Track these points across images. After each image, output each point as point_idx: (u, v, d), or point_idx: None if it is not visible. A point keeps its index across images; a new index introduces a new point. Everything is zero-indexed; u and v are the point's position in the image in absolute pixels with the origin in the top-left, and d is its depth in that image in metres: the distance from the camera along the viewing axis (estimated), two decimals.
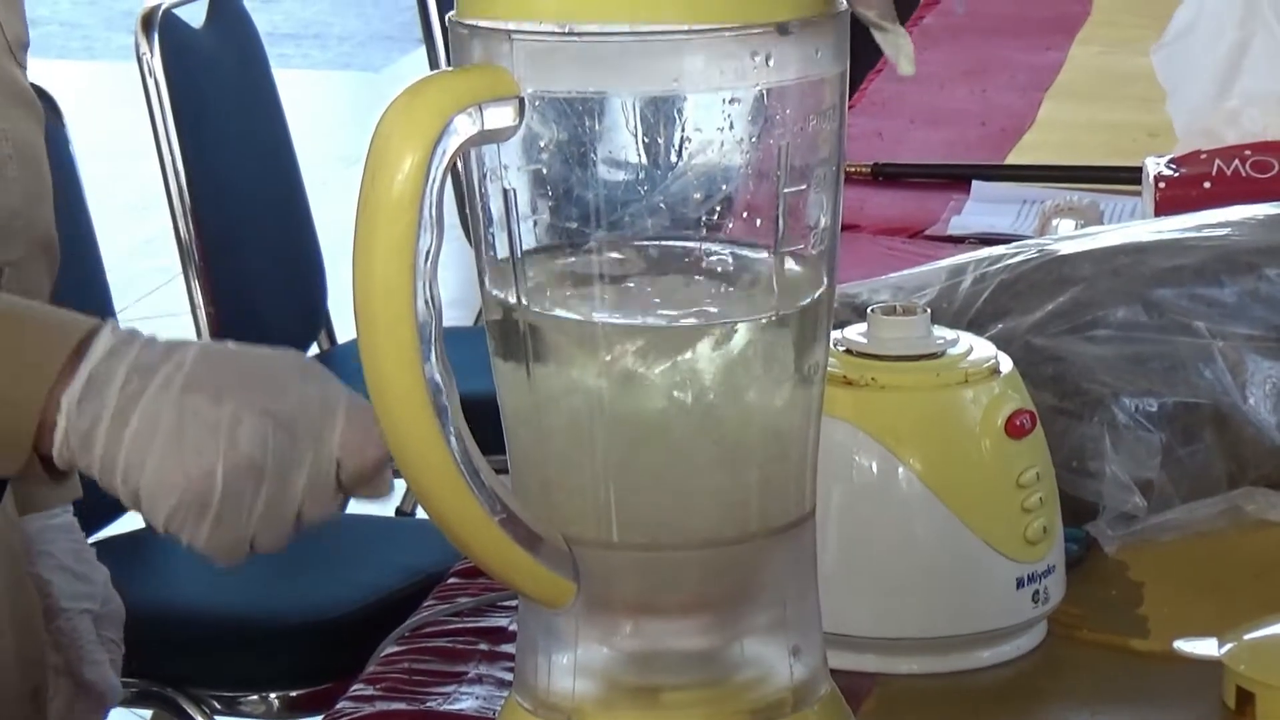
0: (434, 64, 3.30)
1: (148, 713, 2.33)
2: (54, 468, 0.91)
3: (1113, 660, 1.20)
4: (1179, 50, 2.21)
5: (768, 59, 0.74)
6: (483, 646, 1.15)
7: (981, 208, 1.98)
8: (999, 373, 1.11)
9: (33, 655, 1.24)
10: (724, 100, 0.74)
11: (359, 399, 0.90)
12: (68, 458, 0.89)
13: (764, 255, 0.80)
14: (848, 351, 1.07)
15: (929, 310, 1.17)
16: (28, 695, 1.26)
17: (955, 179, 2.11)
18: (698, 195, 0.77)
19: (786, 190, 0.76)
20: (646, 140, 0.77)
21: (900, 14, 0.92)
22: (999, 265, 1.41)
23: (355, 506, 2.19)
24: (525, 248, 0.79)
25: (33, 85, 1.81)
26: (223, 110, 2.60)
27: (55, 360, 0.87)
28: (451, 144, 0.73)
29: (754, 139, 0.77)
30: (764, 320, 0.81)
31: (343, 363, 2.63)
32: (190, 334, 2.46)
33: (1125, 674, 1.17)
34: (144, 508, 0.89)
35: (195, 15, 2.49)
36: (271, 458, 0.87)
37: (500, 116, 0.73)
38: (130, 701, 2.21)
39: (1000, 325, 1.32)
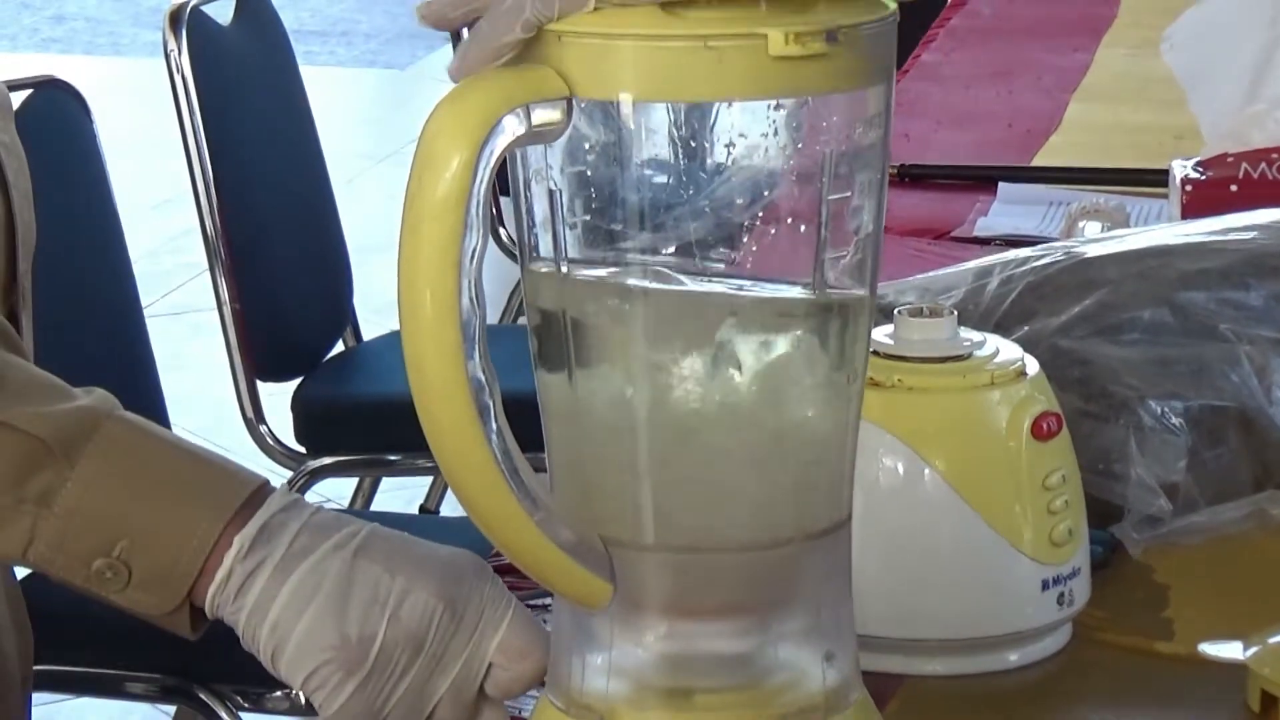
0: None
1: (171, 709, 2.27)
2: (195, 617, 0.89)
3: (1137, 663, 1.19)
4: (1201, 50, 2.20)
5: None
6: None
7: (1008, 209, 1.98)
8: (1025, 375, 1.11)
9: (26, 645, 1.19)
10: (769, 106, 0.74)
11: (525, 610, 0.90)
12: (218, 602, 0.86)
13: (806, 260, 0.79)
14: (874, 353, 1.06)
15: (955, 312, 1.17)
16: (19, 685, 1.21)
17: (981, 180, 2.09)
18: (740, 200, 0.77)
19: (830, 197, 0.76)
20: (692, 144, 0.77)
21: (926, 17, 0.92)
22: (1025, 267, 1.42)
23: (378, 503, 2.11)
24: (569, 250, 0.79)
25: (59, 79, 1.83)
26: (250, 107, 2.59)
27: (231, 503, 0.85)
28: (499, 144, 0.72)
29: (798, 145, 0.76)
30: (804, 325, 0.81)
31: (367, 362, 2.66)
32: (217, 329, 2.34)
33: (1150, 677, 1.16)
34: (284, 660, 0.86)
35: (222, 12, 2.47)
36: (433, 639, 0.86)
37: (548, 117, 0.72)
38: (155, 697, 2.17)
39: (1026, 327, 1.32)
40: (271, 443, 2.43)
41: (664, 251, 0.79)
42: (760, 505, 0.83)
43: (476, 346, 0.74)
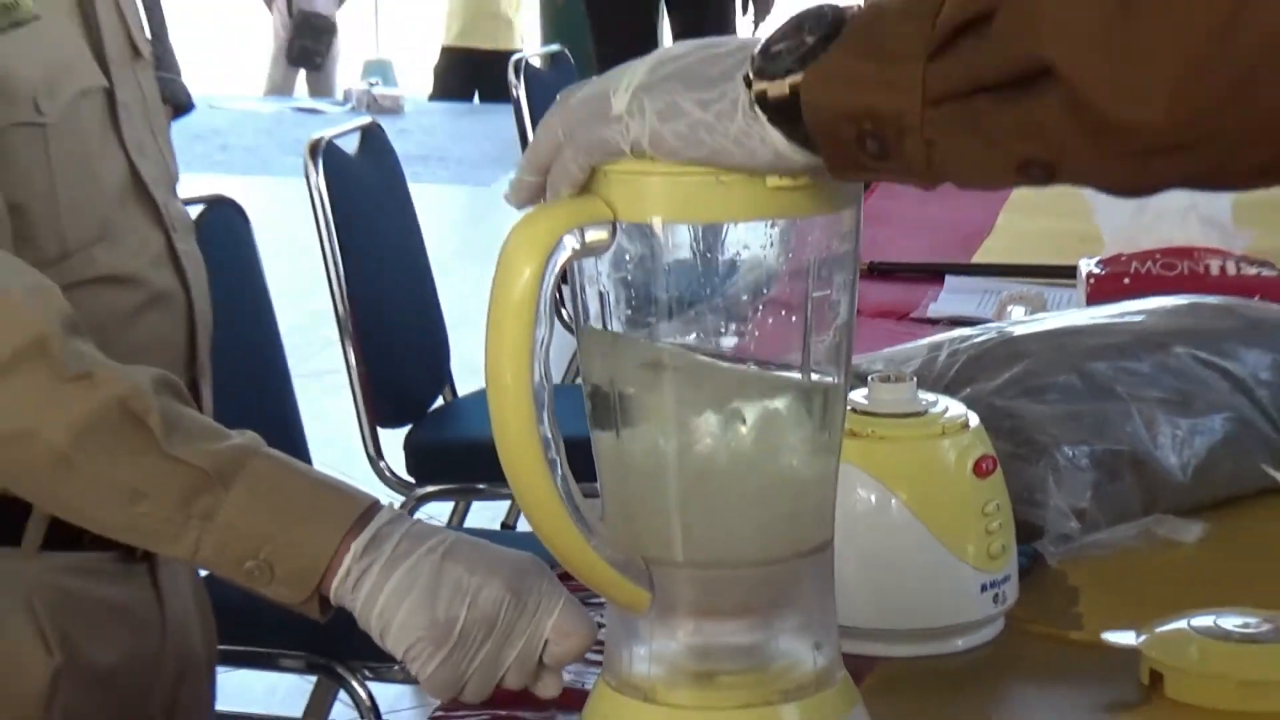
0: None
1: (314, 678, 2.27)
2: (323, 605, 0.91)
3: (1054, 648, 1.22)
4: None
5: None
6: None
7: (953, 297, 1.95)
8: (968, 427, 1.13)
9: (210, 633, 1.20)
10: (767, 225, 0.74)
11: (574, 599, 0.92)
12: (339, 594, 0.89)
13: (796, 342, 0.80)
14: (852, 410, 1.09)
15: (914, 378, 1.19)
16: (205, 667, 1.21)
17: (933, 274, 2.10)
18: (746, 296, 0.78)
19: (814, 294, 0.76)
20: (708, 255, 0.77)
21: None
22: (967, 343, 1.42)
23: (469, 521, 2.10)
24: (618, 344, 0.82)
25: (225, 196, 1.87)
26: (370, 215, 2.62)
27: (349, 517, 0.87)
28: (560, 258, 0.73)
29: (789, 255, 0.77)
30: (795, 395, 0.83)
31: (462, 412, 2.74)
32: (347, 388, 2.36)
33: (1064, 658, 1.21)
34: (389, 638, 0.89)
35: (350, 144, 2.51)
36: (502, 621, 0.89)
37: (598, 236, 0.74)
38: (301, 670, 2.20)
39: (968, 390, 1.32)
40: (389, 475, 2.45)
41: (688, 337, 0.82)
42: (763, 530, 0.84)
43: (545, 411, 0.75)
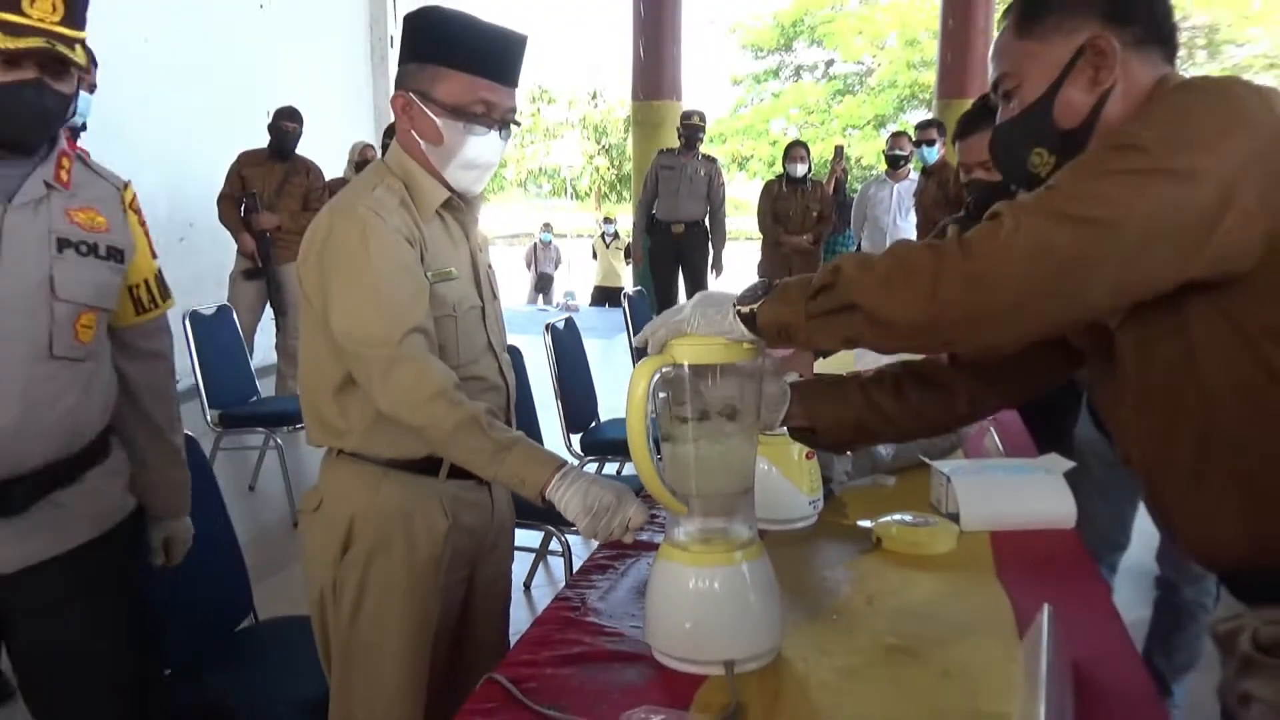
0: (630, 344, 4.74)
1: (540, 533, 3.28)
2: (541, 499, 1.40)
3: (838, 528, 1.65)
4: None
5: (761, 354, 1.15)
6: (660, 520, 1.43)
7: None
8: None
9: (512, 518, 1.85)
10: (740, 366, 1.17)
11: (640, 502, 1.36)
12: (548, 495, 1.37)
13: (749, 420, 1.19)
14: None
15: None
16: (510, 531, 1.82)
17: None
18: (729, 398, 1.20)
19: (750, 389, 1.20)
20: (710, 381, 1.19)
21: None
22: None
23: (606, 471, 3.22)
24: (672, 406, 1.20)
25: (514, 346, 2.25)
26: (570, 361, 3.77)
27: (554, 464, 1.41)
28: (654, 379, 1.15)
29: (751, 378, 1.19)
30: (741, 428, 1.22)
31: (603, 430, 3.72)
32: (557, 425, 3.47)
33: (841, 531, 1.63)
34: (569, 513, 1.37)
35: (561, 323, 3.75)
36: (612, 507, 1.38)
37: (668, 371, 1.15)
38: (536, 527, 3.01)
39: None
40: (573, 451, 3.58)
41: (701, 414, 1.19)
42: (734, 481, 1.20)
43: (650, 437, 1.15)
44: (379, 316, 1.37)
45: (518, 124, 1.52)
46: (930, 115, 8.06)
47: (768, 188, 6.75)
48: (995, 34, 1.20)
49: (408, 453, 1.48)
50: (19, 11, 1.28)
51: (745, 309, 1.11)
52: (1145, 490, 1.14)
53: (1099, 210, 0.94)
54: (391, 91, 1.55)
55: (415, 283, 1.42)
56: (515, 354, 2.60)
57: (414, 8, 1.53)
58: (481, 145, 1.48)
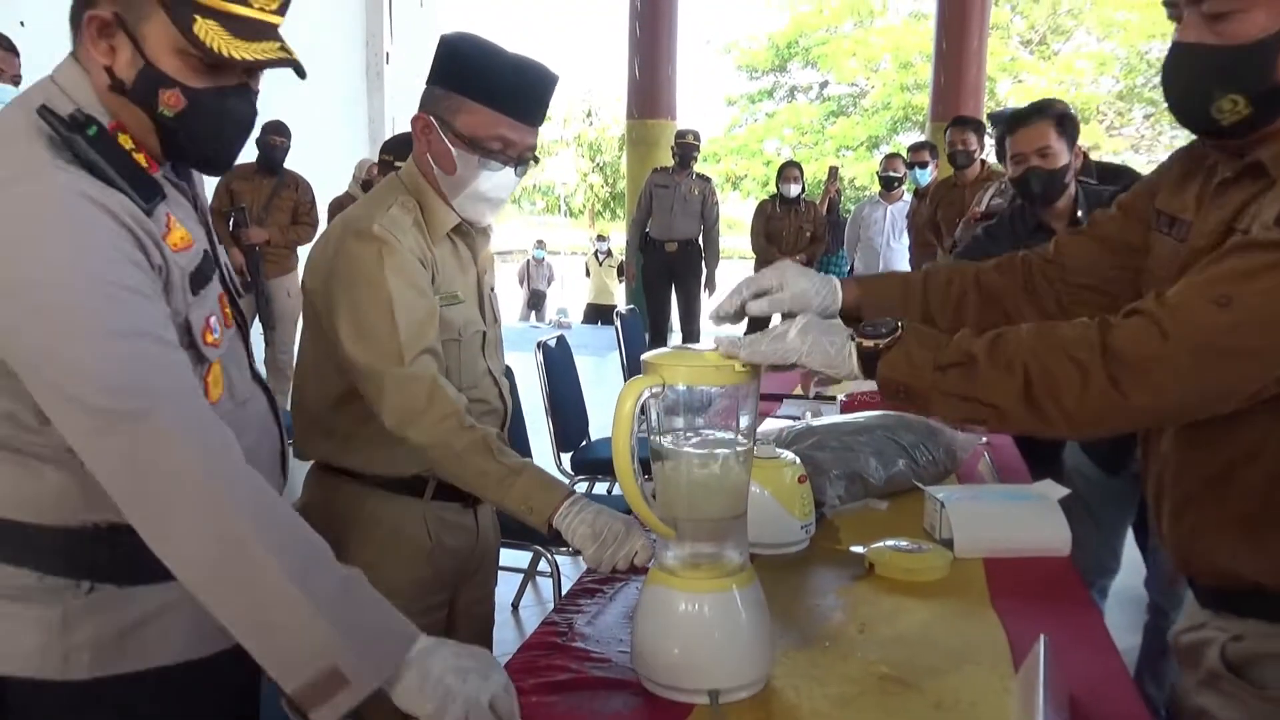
0: (623, 362, 4.75)
1: (529, 553, 3.19)
2: (548, 527, 1.39)
3: (829, 552, 1.62)
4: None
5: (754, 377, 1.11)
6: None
7: (788, 408, 2.62)
8: (795, 463, 1.56)
9: (497, 538, 1.83)
10: (724, 388, 1.15)
11: (648, 538, 1.35)
12: (556, 524, 1.37)
13: (733, 429, 1.17)
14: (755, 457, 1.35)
15: (773, 441, 1.68)
16: (495, 553, 1.76)
17: (778, 398, 2.79)
18: (716, 414, 1.19)
19: (741, 412, 1.18)
20: (703, 397, 1.17)
21: None
22: (793, 428, 1.92)
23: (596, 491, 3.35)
24: (661, 431, 1.16)
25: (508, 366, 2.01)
26: (562, 379, 3.74)
27: (562, 493, 1.38)
28: (642, 398, 1.12)
29: (735, 396, 1.17)
30: (735, 450, 1.17)
31: (594, 449, 3.67)
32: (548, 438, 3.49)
33: (834, 557, 1.61)
34: (575, 541, 1.36)
35: (553, 341, 3.74)
36: (620, 535, 1.39)
37: (656, 390, 1.13)
38: (524, 549, 3.06)
39: (794, 447, 1.74)
40: (562, 471, 3.51)
41: (690, 427, 1.18)
42: (720, 505, 1.17)
43: (634, 455, 1.12)
44: (393, 336, 1.38)
45: (536, 160, 1.53)
46: (923, 138, 8.07)
47: (761, 207, 6.81)
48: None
49: (398, 470, 1.49)
50: (245, 2, 1.08)
51: (869, 344, 1.09)
52: (1157, 509, 1.16)
53: (1265, 307, 0.90)
54: (387, 108, 1.52)
55: (428, 304, 1.43)
56: (509, 374, 2.60)
57: (439, 30, 1.49)
58: (494, 180, 1.49)
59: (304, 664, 0.94)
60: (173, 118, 1.07)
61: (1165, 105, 1.07)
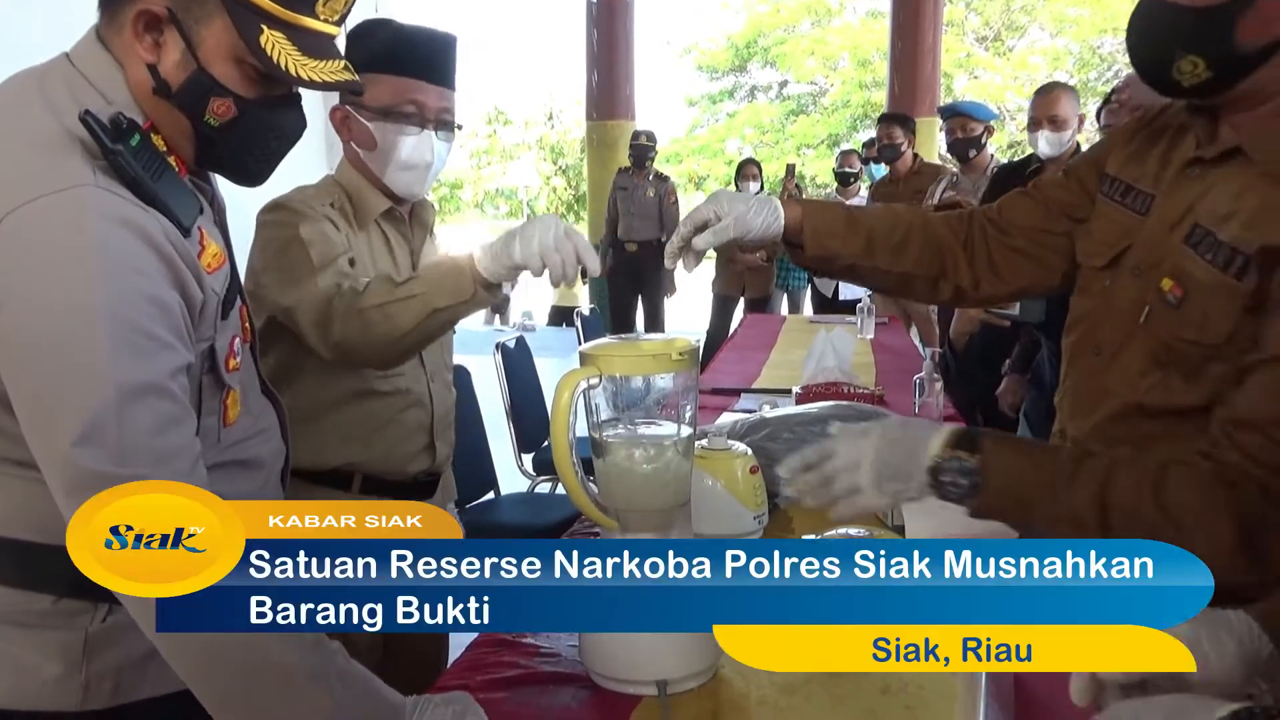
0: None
1: None
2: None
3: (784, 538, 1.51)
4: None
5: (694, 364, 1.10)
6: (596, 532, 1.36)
7: (743, 401, 2.69)
8: (747, 454, 1.57)
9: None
10: (671, 377, 1.17)
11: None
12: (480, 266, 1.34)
13: (676, 420, 1.19)
14: (700, 446, 1.53)
15: (725, 434, 1.72)
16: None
17: (734, 392, 2.87)
18: (656, 403, 1.19)
19: (683, 404, 1.19)
20: (642, 388, 1.17)
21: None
22: (748, 420, 1.93)
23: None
24: (602, 420, 1.16)
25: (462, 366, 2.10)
26: (523, 380, 3.73)
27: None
28: (579, 390, 1.13)
29: (676, 386, 1.18)
30: (677, 440, 1.18)
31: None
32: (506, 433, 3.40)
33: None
34: (519, 260, 1.35)
35: (513, 342, 3.74)
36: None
37: (594, 381, 1.14)
38: None
39: (746, 439, 1.78)
40: (524, 471, 3.55)
41: (630, 419, 1.17)
42: (663, 495, 1.18)
43: (574, 450, 1.13)
44: (316, 274, 1.43)
45: (459, 126, 1.53)
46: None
47: None
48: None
49: (323, 461, 1.52)
50: (313, 13, 0.99)
51: (967, 508, 1.02)
52: None
53: None
54: None
55: (340, 241, 1.49)
56: (463, 375, 2.50)
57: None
58: (415, 145, 1.52)
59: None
60: (217, 127, 0.99)
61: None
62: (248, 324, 1.11)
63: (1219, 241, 0.97)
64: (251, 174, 1.05)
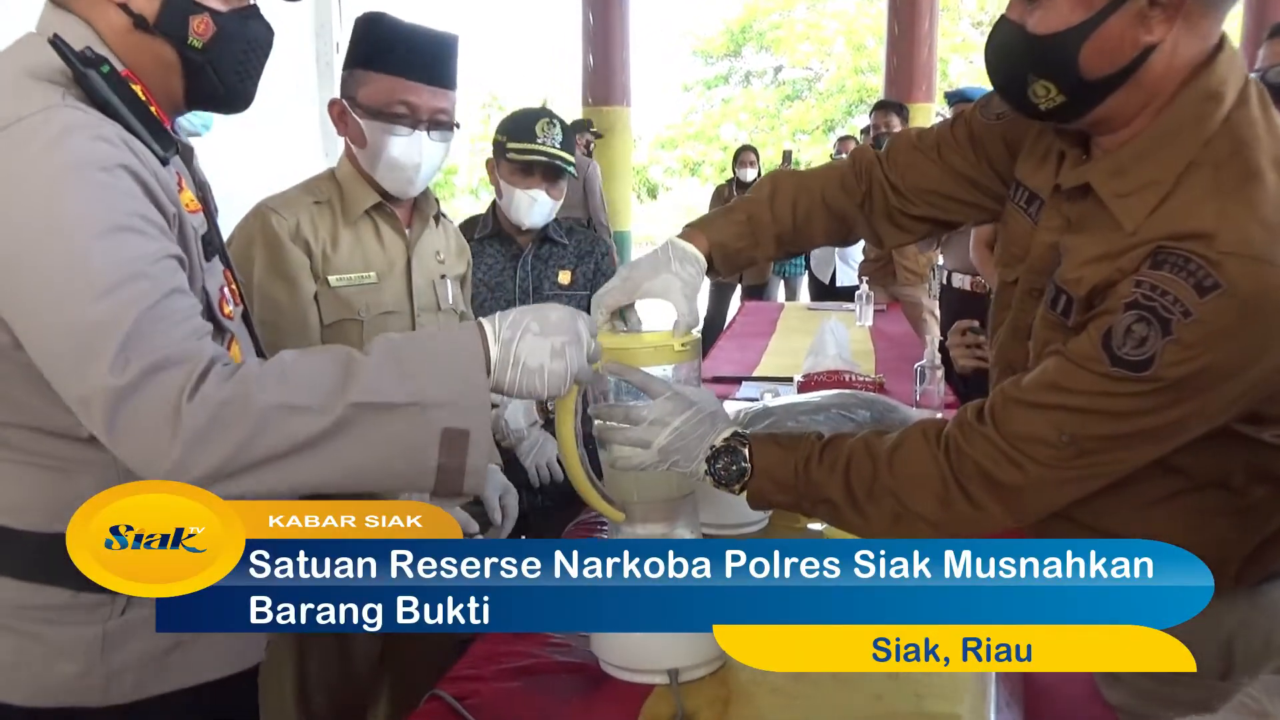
0: None
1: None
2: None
3: (788, 532, 1.65)
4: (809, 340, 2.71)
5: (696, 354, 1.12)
6: (604, 528, 1.47)
7: (746, 389, 2.66)
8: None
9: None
10: (671, 368, 1.14)
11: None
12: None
13: None
14: None
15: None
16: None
17: (736, 380, 2.83)
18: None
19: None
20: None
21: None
22: (749, 410, 1.89)
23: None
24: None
25: None
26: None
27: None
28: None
29: (683, 379, 1.17)
30: None
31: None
32: None
33: (793, 537, 1.33)
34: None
35: None
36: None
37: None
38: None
39: (750, 428, 1.54)
40: None
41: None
42: (670, 484, 1.18)
43: (580, 440, 1.12)
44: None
45: (456, 125, 1.52)
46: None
47: (718, 192, 6.85)
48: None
49: None
50: None
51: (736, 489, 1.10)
52: None
53: (1123, 425, 0.92)
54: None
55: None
56: None
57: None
58: (404, 146, 1.50)
59: (421, 452, 0.88)
60: (201, 49, 0.98)
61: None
62: (235, 287, 1.09)
63: (1072, 301, 1.00)
64: (239, 94, 1.04)
